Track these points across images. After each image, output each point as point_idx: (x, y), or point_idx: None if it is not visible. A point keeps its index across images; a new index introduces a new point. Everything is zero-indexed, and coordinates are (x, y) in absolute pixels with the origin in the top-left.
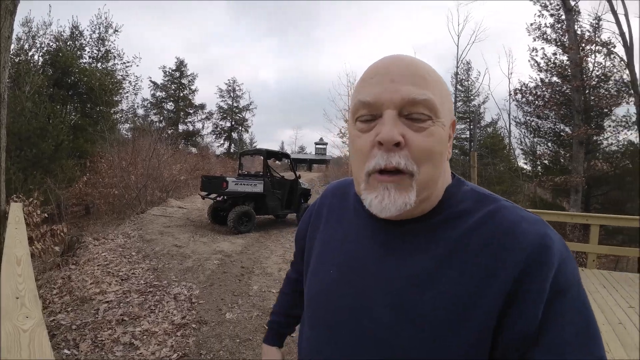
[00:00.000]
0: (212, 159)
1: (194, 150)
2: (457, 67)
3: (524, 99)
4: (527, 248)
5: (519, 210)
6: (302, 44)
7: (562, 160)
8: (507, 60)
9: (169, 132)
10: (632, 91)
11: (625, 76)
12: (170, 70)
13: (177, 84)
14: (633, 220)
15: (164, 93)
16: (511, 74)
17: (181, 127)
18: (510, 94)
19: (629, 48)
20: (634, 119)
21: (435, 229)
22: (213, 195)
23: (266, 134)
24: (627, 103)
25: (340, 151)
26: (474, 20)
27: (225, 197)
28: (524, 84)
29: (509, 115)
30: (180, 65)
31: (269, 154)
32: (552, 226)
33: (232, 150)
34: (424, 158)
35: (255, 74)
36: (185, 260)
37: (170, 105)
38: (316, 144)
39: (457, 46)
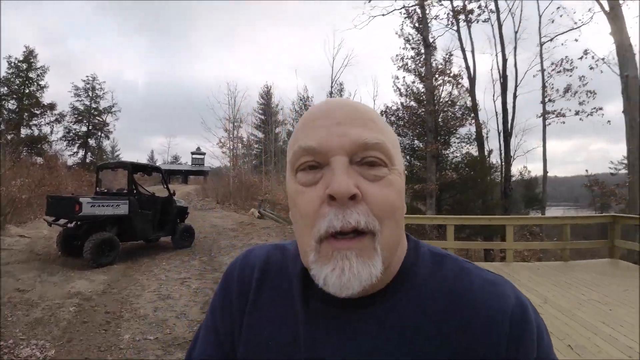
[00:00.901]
0: (62, 171)
1: (39, 160)
2: (332, 87)
3: (387, 120)
4: (503, 321)
5: (481, 274)
6: (177, 46)
7: (418, 171)
8: (373, 85)
9: (8, 137)
10: (472, 114)
11: (467, 102)
12: (16, 62)
13: (22, 78)
14: (480, 219)
15: (5, 88)
16: (376, 96)
17: (24, 132)
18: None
19: (472, 79)
20: (473, 136)
21: (401, 308)
22: (63, 221)
23: (132, 141)
24: (469, 124)
25: (219, 162)
26: (346, 46)
27: (78, 222)
28: (388, 106)
29: None
30: (29, 55)
31: (135, 168)
32: (415, 228)
33: (88, 160)
34: (385, 213)
35: (119, 74)
36: (33, 309)
37: (12, 104)
38: (192, 153)
39: (332, 68)
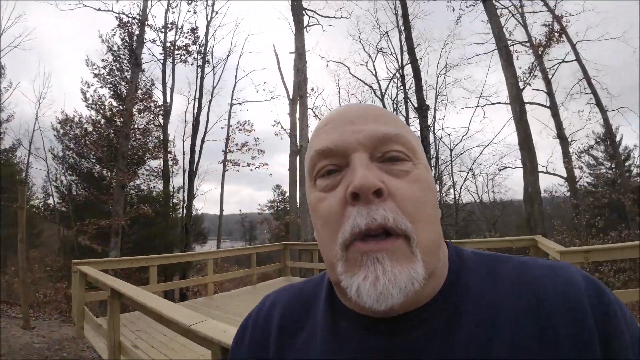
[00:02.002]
0: None
1: None
2: None
3: (71, 132)
4: (582, 301)
5: (538, 262)
6: None
7: (99, 203)
8: (42, 83)
9: None
10: (163, 149)
11: (161, 136)
12: None
13: None
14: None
15: None
16: (43, 98)
17: None
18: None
19: (167, 114)
20: (161, 171)
21: (460, 324)
22: None
23: None
24: (160, 157)
25: None
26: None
27: None
28: (68, 116)
29: (30, 143)
30: None
31: None
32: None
33: None
34: (417, 211)
35: None
36: None
37: None
38: None
39: None
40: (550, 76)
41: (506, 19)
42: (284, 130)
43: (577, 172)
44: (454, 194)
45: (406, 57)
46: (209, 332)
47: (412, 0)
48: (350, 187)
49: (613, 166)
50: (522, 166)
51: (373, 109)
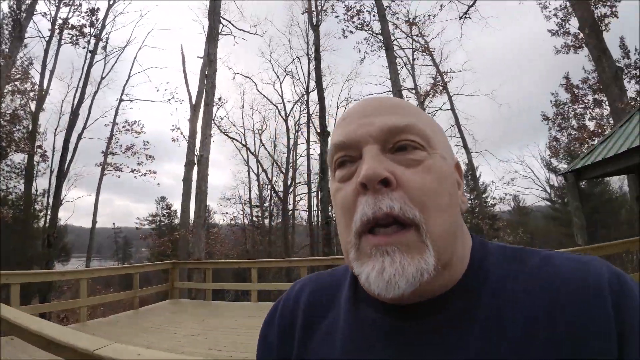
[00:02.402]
0: None
1: None
2: None
3: None
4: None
5: (564, 255)
6: None
7: None
8: None
9: None
10: (30, 141)
11: (30, 126)
12: None
13: None
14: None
15: None
16: None
17: None
18: None
19: (40, 102)
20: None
21: (476, 312)
22: None
23: None
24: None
25: None
26: None
27: None
28: None
29: None
30: None
31: None
32: None
33: None
34: (427, 201)
35: None
36: None
37: None
38: None
39: None
40: None
41: (400, 68)
42: (184, 137)
43: None
44: None
45: (312, 84)
46: (121, 357)
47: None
48: (359, 177)
49: (473, 197)
50: None
51: (389, 100)
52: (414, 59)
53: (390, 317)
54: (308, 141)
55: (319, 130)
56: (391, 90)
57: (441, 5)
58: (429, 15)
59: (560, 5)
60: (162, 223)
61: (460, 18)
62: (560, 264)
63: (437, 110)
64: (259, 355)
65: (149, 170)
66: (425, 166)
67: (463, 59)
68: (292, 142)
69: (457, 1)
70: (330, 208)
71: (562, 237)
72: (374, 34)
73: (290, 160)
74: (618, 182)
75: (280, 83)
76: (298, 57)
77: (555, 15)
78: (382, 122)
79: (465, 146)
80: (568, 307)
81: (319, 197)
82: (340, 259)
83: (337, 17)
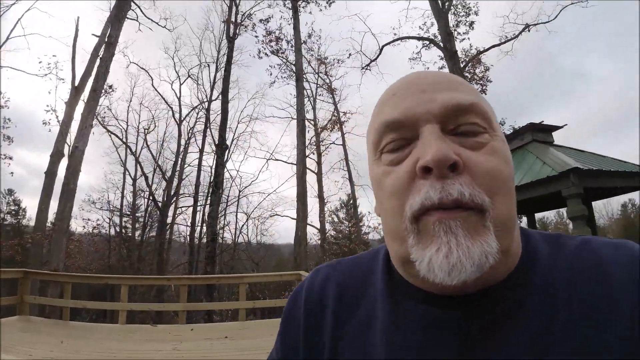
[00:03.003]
0: None
1: None
2: None
3: None
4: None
5: (601, 239)
6: None
7: None
8: None
9: None
10: None
11: None
12: None
13: None
14: None
15: None
16: None
17: None
18: None
19: None
20: None
21: (529, 301)
22: None
23: None
24: None
25: None
26: None
27: None
28: None
29: None
30: None
31: None
32: None
33: None
34: (495, 186)
35: None
36: None
37: None
38: None
39: None
40: (322, 151)
41: (305, 99)
42: (58, 121)
43: (327, 226)
44: (234, 232)
45: (216, 93)
46: None
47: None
48: (422, 160)
49: (351, 224)
50: (295, 215)
51: (447, 75)
52: (317, 94)
53: (439, 308)
54: (202, 151)
55: (217, 142)
56: (296, 118)
57: (349, 54)
58: (338, 59)
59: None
60: (7, 222)
61: (362, 68)
62: (597, 247)
63: (331, 144)
64: (279, 347)
65: (4, 155)
66: (489, 149)
67: (358, 103)
68: (182, 149)
69: (363, 54)
70: (219, 224)
71: None
72: (288, 62)
73: (177, 169)
74: None
75: (180, 84)
76: (207, 63)
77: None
78: (446, 99)
79: (350, 179)
80: (615, 287)
81: (205, 211)
82: (226, 277)
83: (256, 37)
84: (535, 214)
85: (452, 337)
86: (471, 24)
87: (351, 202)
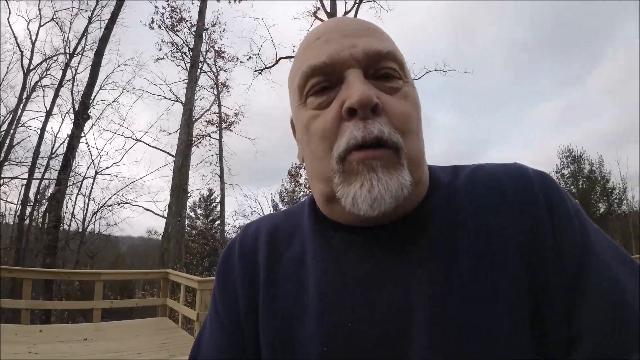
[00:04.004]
0: None
1: None
2: None
3: None
4: (532, 188)
5: (492, 164)
6: None
7: None
8: None
9: None
10: None
11: None
12: None
13: None
14: None
15: None
16: None
17: None
18: None
19: None
20: None
21: (434, 219)
22: None
23: None
24: None
25: None
26: None
27: None
28: None
29: None
30: None
31: None
32: None
33: None
34: (406, 126)
35: None
36: None
37: None
38: None
39: None
40: (195, 142)
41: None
42: None
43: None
44: (84, 220)
45: (81, 48)
46: None
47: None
48: (348, 102)
49: (219, 223)
50: (168, 209)
51: (367, 23)
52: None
53: (365, 236)
54: (49, 113)
55: (77, 110)
56: (183, 106)
57: (250, 56)
58: (237, 57)
59: None
60: None
61: (255, 71)
62: (491, 171)
63: (206, 135)
64: (218, 309)
65: None
66: (402, 94)
67: (242, 103)
68: (22, 105)
69: (259, 57)
70: (65, 207)
71: None
72: (186, 45)
73: (11, 128)
74: None
75: (40, 25)
76: (81, 9)
77: None
78: (367, 45)
79: (221, 176)
80: (509, 199)
81: (49, 190)
82: (80, 273)
83: (156, 7)
84: None
85: (373, 256)
86: None
87: (211, 198)
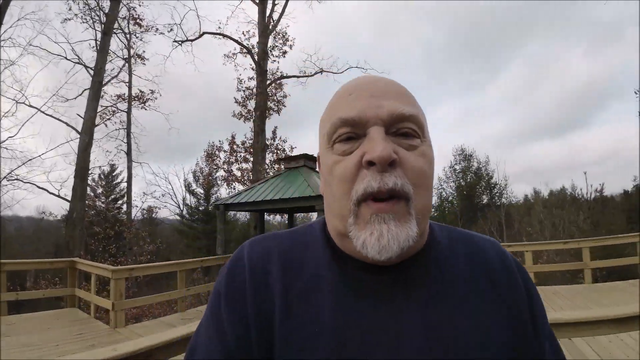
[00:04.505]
0: None
1: None
2: None
3: None
4: (513, 268)
5: (477, 234)
6: None
7: None
8: None
9: None
10: None
11: None
12: None
13: None
14: None
15: None
16: None
17: None
18: None
19: None
20: None
21: (433, 268)
22: None
23: None
24: None
25: None
26: None
27: None
28: None
29: None
30: None
31: None
32: None
33: None
34: (419, 180)
35: None
36: None
37: None
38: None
39: None
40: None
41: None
42: None
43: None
44: None
45: None
46: None
47: None
48: (368, 156)
49: (122, 202)
50: (72, 192)
51: (395, 85)
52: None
53: (373, 274)
54: None
55: None
56: (92, 79)
57: (171, 28)
58: (156, 27)
59: (252, 92)
60: None
61: (175, 41)
62: (480, 240)
63: (117, 111)
64: (224, 329)
65: None
66: (419, 151)
67: (157, 73)
68: None
69: (180, 28)
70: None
71: (184, 248)
72: (100, 9)
73: None
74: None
75: None
76: None
77: (245, 90)
78: (392, 108)
79: (128, 153)
80: (498, 278)
81: None
82: None
83: None
84: (295, 214)
85: (380, 295)
86: (284, 53)
87: (113, 174)
